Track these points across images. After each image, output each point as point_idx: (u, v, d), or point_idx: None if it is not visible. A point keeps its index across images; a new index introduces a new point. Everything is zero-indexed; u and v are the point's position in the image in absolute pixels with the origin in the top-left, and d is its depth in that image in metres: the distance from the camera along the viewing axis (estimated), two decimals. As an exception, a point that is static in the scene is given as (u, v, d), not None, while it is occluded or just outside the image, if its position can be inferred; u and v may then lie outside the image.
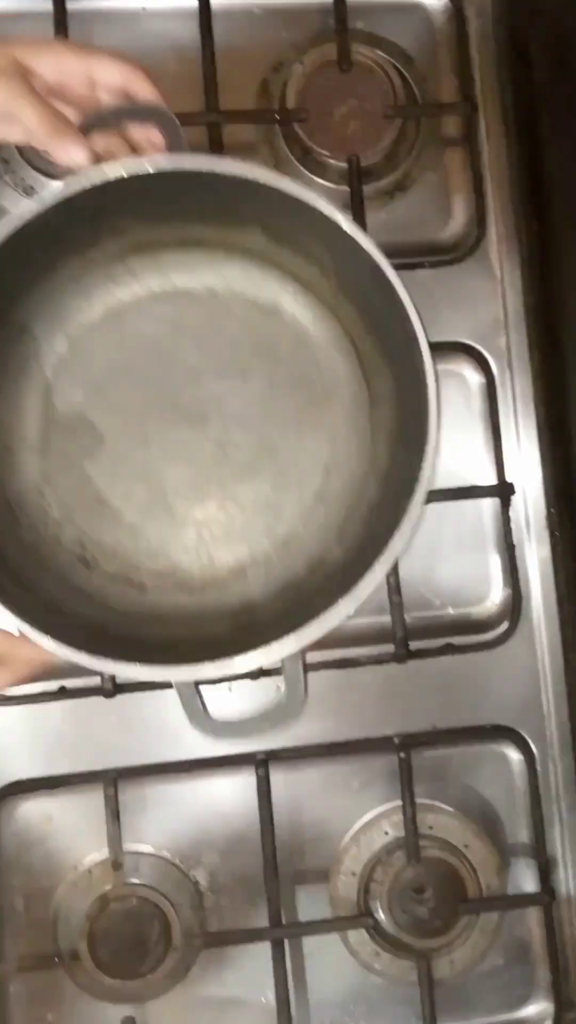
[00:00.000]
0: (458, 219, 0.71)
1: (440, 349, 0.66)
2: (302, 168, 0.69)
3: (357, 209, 0.67)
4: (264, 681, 0.63)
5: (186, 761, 0.63)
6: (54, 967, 0.60)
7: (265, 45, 0.69)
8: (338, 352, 0.61)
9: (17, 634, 0.50)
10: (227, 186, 0.53)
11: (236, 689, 0.63)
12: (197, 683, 0.52)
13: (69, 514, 0.59)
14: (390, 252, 0.67)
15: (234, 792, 0.63)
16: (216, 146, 0.67)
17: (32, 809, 0.63)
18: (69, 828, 0.63)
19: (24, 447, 0.59)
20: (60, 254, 0.57)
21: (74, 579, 0.58)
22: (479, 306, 0.69)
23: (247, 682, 0.63)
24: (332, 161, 0.68)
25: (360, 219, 0.66)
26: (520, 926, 0.66)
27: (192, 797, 0.63)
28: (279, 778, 0.63)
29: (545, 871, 0.64)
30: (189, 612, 0.59)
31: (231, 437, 0.60)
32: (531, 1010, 0.65)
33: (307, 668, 0.53)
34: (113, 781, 0.61)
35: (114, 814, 0.61)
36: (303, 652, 0.52)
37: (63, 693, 0.62)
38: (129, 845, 0.62)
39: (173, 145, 0.55)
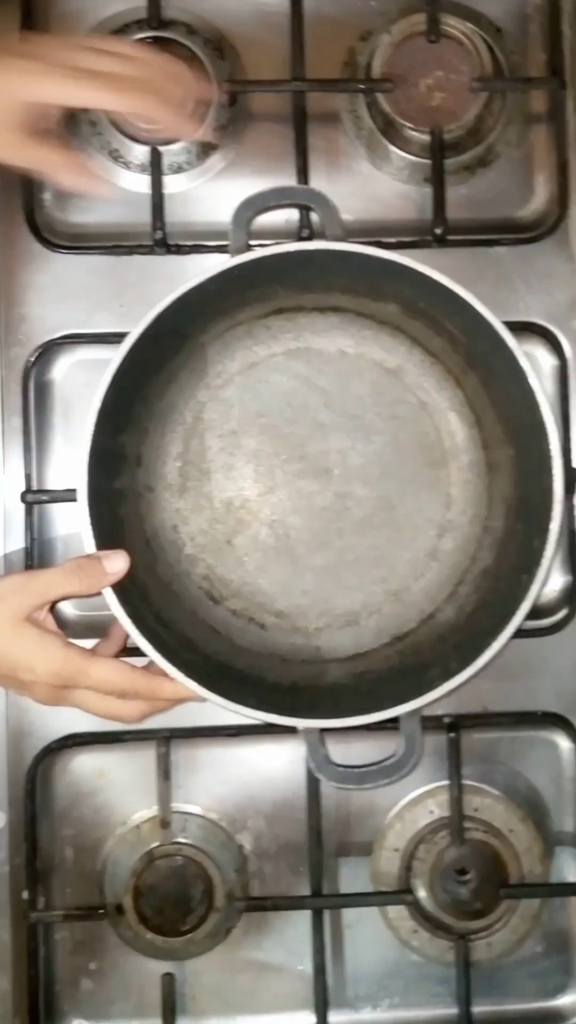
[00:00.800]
0: (539, 197, 0.69)
1: (512, 329, 0.65)
2: (384, 139, 0.68)
3: (437, 183, 0.66)
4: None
5: (238, 726, 0.63)
6: (99, 918, 0.62)
7: (354, 14, 0.68)
8: (459, 419, 0.64)
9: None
10: (374, 267, 0.57)
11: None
12: (322, 731, 0.55)
13: (199, 552, 0.64)
14: (468, 228, 0.67)
15: (284, 759, 0.64)
16: (299, 114, 0.67)
17: (86, 763, 0.64)
18: (121, 784, 0.64)
19: (162, 486, 0.63)
20: (212, 317, 0.61)
21: (202, 613, 0.63)
22: (555, 287, 0.68)
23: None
24: (415, 133, 0.67)
25: (440, 193, 0.66)
26: (561, 915, 0.65)
27: (242, 762, 0.64)
28: (328, 749, 0.63)
29: (590, 861, 0.64)
30: (306, 654, 0.63)
31: (352, 491, 0.64)
32: (567, 1000, 0.65)
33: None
34: (165, 740, 0.62)
35: (165, 773, 0.62)
36: (420, 714, 0.55)
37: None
38: (178, 805, 0.63)
39: (328, 226, 0.58)
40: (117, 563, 0.55)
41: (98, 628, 0.64)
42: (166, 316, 0.55)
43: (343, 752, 0.57)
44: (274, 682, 0.60)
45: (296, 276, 0.60)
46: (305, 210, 0.65)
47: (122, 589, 0.55)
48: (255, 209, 0.57)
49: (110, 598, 0.54)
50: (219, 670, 0.58)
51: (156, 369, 0.60)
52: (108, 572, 0.54)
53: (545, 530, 0.55)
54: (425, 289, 0.57)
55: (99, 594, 0.54)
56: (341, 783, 0.54)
